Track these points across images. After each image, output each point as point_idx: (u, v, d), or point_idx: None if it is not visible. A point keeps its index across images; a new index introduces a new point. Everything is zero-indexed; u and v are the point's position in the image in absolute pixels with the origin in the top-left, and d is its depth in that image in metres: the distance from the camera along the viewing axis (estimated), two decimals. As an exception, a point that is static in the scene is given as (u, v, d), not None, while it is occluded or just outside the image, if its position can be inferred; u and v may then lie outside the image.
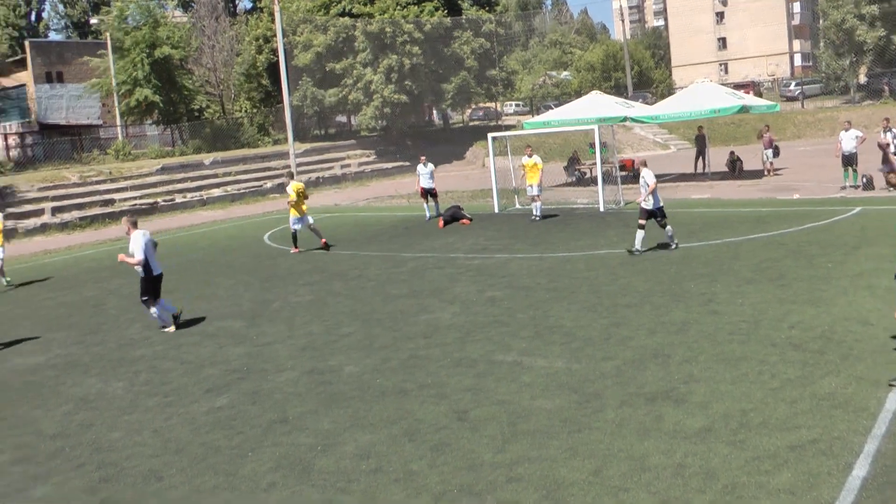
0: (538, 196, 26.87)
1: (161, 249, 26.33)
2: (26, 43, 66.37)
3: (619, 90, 74.47)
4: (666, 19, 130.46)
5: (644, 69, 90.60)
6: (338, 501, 8.12)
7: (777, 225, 21.65)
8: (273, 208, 39.83)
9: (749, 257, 17.95)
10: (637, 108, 39.36)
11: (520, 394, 10.70)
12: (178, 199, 44.18)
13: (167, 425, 10.83)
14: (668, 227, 19.69)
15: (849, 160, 28.30)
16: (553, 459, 8.61)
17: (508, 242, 23.08)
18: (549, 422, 9.63)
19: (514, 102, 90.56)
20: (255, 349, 14.18)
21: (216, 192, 46.02)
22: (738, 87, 62.83)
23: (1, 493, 9.23)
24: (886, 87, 64.66)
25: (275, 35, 50.91)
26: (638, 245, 19.42)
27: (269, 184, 47.78)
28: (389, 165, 55.92)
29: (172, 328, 16.12)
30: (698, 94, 36.89)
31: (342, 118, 73.67)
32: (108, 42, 55.53)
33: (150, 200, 43.09)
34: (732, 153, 38.06)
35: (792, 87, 75.89)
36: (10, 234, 36.03)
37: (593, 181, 32.74)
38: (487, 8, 63.93)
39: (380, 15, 55.55)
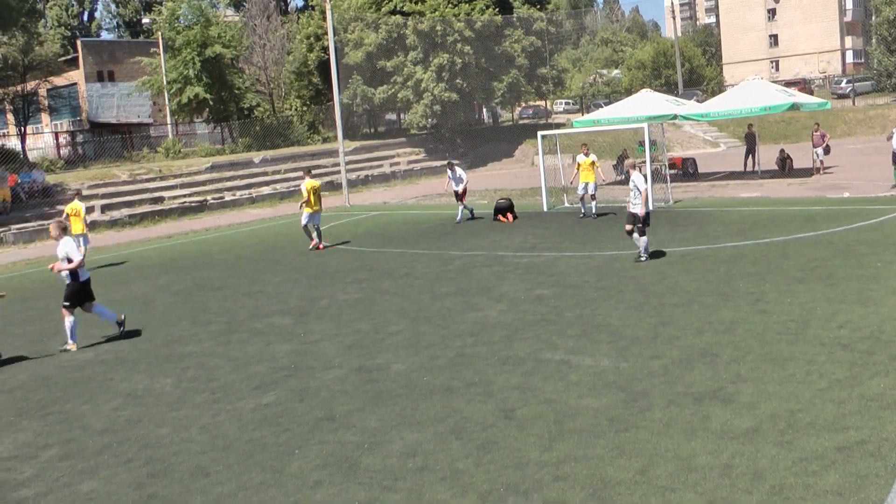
0: (594, 196, 26.86)
1: (210, 247, 26.67)
2: (78, 42, 67.32)
3: (669, 88, 73.98)
4: (717, 16, 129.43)
5: (695, 67, 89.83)
6: (384, 500, 8.12)
7: (826, 224, 21.39)
8: (322, 206, 39.98)
9: (798, 256, 17.74)
10: (687, 106, 39.06)
11: (567, 392, 10.65)
12: (228, 196, 44.55)
13: (214, 422, 10.91)
14: (645, 239, 18.86)
15: (900, 158, 27.88)
16: (600, 458, 8.55)
17: (557, 241, 23.02)
18: (596, 421, 9.58)
19: (563, 101, 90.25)
20: (303, 346, 14.25)
21: (265, 189, 46.36)
22: (788, 84, 62.23)
23: (49, 487, 9.34)
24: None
25: (326, 33, 51.09)
26: (643, 251, 18.87)
27: (318, 182, 47.96)
28: (439, 164, 55.84)
29: (73, 347, 15.67)
30: (749, 91, 36.57)
31: (392, 116, 73.89)
32: (160, 41, 56.13)
33: (200, 198, 43.49)
34: (782, 151, 37.67)
35: (843, 84, 74.82)
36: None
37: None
38: (539, 6, 63.73)
39: (430, 13, 55.65)
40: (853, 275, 15.61)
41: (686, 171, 38.75)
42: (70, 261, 15.38)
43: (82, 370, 14.21)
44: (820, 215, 23.08)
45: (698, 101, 55.13)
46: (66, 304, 15.63)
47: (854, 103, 65.65)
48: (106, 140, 54.24)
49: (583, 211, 27.28)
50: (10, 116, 61.69)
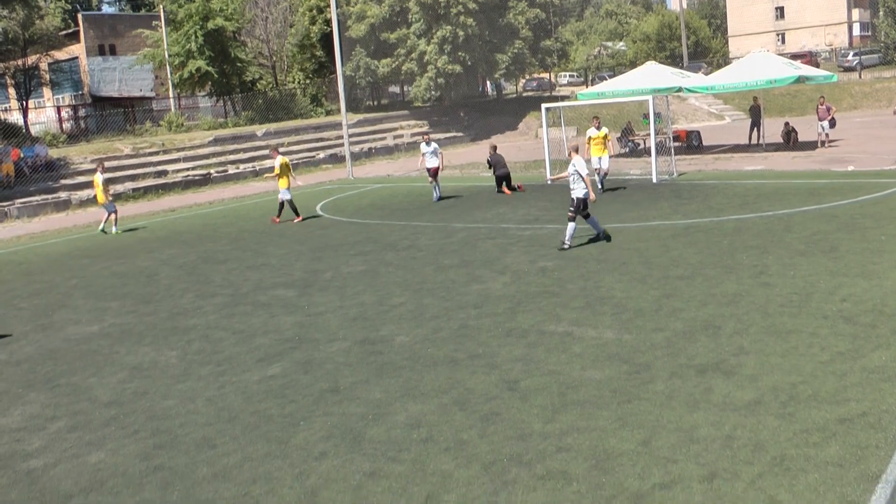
0: (607, 171, 26.49)
1: (214, 220, 26.72)
2: (79, 16, 67.07)
3: (674, 60, 73.71)
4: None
5: (700, 39, 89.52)
6: (388, 471, 8.18)
7: (830, 197, 21.37)
8: (326, 178, 40.04)
9: (801, 229, 17.74)
10: (692, 79, 38.92)
11: (570, 364, 10.70)
12: (231, 170, 44.53)
13: (220, 394, 10.98)
14: (572, 225, 17.99)
15: (906, 131, 27.86)
16: (602, 430, 8.61)
17: (560, 213, 22.94)
18: (599, 392, 9.63)
19: (568, 73, 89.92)
20: (307, 319, 14.30)
21: (268, 162, 46.23)
22: (794, 57, 61.78)
23: (57, 458, 9.43)
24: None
25: (328, 6, 50.93)
26: (568, 240, 18.06)
27: (321, 154, 48.03)
28: (443, 136, 55.85)
29: None
30: (754, 64, 36.38)
31: (395, 89, 73.69)
32: (162, 14, 55.94)
33: (203, 172, 43.47)
34: (787, 124, 37.53)
35: (850, 57, 74.44)
36: (63, 206, 36.76)
37: (647, 152, 32.48)
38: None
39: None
40: (857, 248, 15.62)
41: (690, 143, 38.65)
42: None
43: (88, 343, 14.29)
44: (824, 188, 23.05)
45: (704, 73, 54.91)
46: None
47: (860, 76, 65.32)
48: (108, 114, 54.16)
49: (600, 185, 26.44)
50: (12, 91, 61.60)
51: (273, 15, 64.91)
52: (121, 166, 42.41)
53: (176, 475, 8.63)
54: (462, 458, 8.28)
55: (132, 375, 12.23)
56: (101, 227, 28.56)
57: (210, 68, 53.82)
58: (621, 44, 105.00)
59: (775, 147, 35.86)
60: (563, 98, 59.57)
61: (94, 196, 28.94)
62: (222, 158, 46.07)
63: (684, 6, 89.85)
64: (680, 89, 36.53)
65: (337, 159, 46.99)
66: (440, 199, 28.12)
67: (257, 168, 44.93)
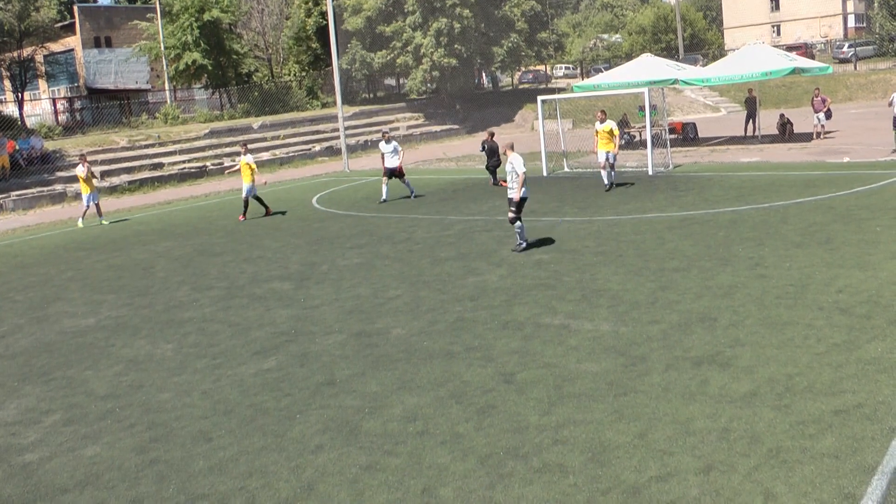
0: (613, 165, 25.31)
1: (210, 213, 26.68)
2: (75, 8, 66.88)
3: (670, 52, 73.66)
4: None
5: (696, 31, 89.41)
6: (385, 464, 8.18)
7: (826, 188, 21.38)
8: (321, 171, 40.00)
9: (797, 221, 17.75)
10: (688, 71, 38.92)
11: (566, 357, 10.70)
12: (227, 162, 44.42)
13: (216, 387, 10.97)
14: (519, 223, 17.47)
15: (900, 123, 27.81)
16: (599, 422, 8.61)
17: (556, 205, 23.01)
18: (595, 385, 9.63)
19: (564, 65, 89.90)
20: (303, 312, 14.29)
21: (265, 155, 46.25)
22: (790, 49, 61.90)
23: (53, 452, 9.42)
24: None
25: (323, -2, 50.82)
26: (522, 239, 17.55)
27: (317, 147, 48.01)
28: (438, 128, 55.87)
29: None
30: (750, 56, 36.37)
31: (391, 81, 73.61)
32: (157, 6, 55.82)
33: (199, 164, 43.45)
34: (783, 116, 37.55)
35: (845, 48, 74.36)
36: (59, 198, 36.71)
37: (642, 144, 32.46)
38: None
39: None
40: (852, 239, 15.62)
41: (686, 135, 38.67)
42: None
43: (84, 336, 14.27)
44: (820, 180, 23.07)
45: (700, 66, 54.89)
46: None
47: (856, 68, 65.34)
48: (104, 106, 54.01)
49: (605, 182, 25.28)
50: (7, 83, 61.41)
51: (269, 7, 64.87)
52: (117, 159, 42.39)
53: (172, 469, 8.62)
54: (458, 451, 8.28)
55: (128, 368, 12.22)
56: (100, 219, 28.87)
57: (206, 61, 53.73)
58: (617, 36, 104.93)
59: (771, 139, 35.88)
60: (559, 90, 59.57)
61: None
62: (218, 151, 46.02)
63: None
64: (675, 81, 36.52)
65: (333, 152, 46.94)
66: (415, 196, 27.53)
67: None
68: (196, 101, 62.48)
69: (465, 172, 33.31)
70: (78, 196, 36.38)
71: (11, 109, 56.21)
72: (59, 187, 38.33)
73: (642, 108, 32.61)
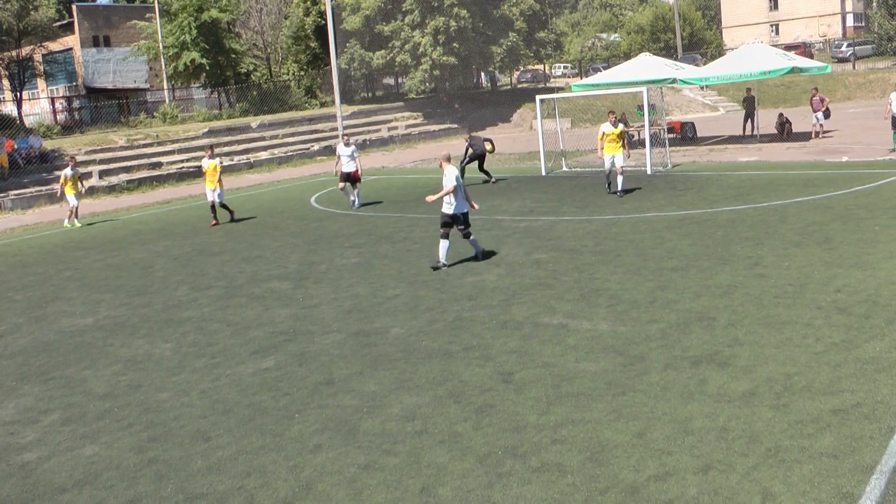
0: (623, 171, 23.46)
1: (208, 212, 26.63)
2: (73, 7, 66.87)
3: (668, 52, 73.67)
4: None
5: (694, 30, 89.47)
6: (383, 463, 8.18)
7: (825, 188, 21.38)
8: (320, 171, 39.98)
9: (796, 220, 17.75)
10: (686, 70, 38.94)
11: (564, 356, 10.70)
12: (226, 161, 44.38)
13: (214, 386, 10.96)
14: (473, 237, 16.78)
15: (899, 123, 27.85)
16: (597, 422, 8.61)
17: (555, 205, 23.01)
18: (594, 384, 9.63)
19: (562, 65, 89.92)
20: (302, 311, 14.29)
21: (263, 154, 46.28)
22: (788, 48, 61.88)
23: (51, 451, 9.42)
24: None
25: (321, -3, 50.83)
26: (442, 258, 16.36)
27: (316, 146, 47.99)
28: (437, 128, 55.85)
29: None
30: (748, 55, 36.40)
31: (390, 80, 73.65)
32: (156, 5, 55.82)
33: (197, 164, 43.27)
34: (781, 115, 37.55)
35: (843, 48, 74.36)
36: (57, 197, 36.65)
37: (641, 143, 32.47)
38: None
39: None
40: (851, 239, 15.63)
41: (685, 135, 38.68)
42: None
43: (83, 335, 14.26)
44: (818, 179, 23.07)
45: (697, 65, 54.90)
46: None
47: (854, 67, 65.37)
48: (102, 105, 54.09)
49: (608, 188, 24.22)
50: (6, 82, 61.47)
51: (267, 6, 64.84)
52: (115, 158, 42.38)
53: (170, 468, 8.62)
54: (457, 451, 8.28)
55: (126, 368, 12.21)
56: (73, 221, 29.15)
57: (204, 60, 53.75)
58: (615, 35, 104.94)
59: (769, 138, 35.89)
60: (557, 90, 59.59)
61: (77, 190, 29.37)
62: (217, 150, 45.88)
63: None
64: (674, 81, 36.53)
65: (331, 151, 46.88)
66: (360, 206, 26.48)
67: (252, 160, 44.93)
68: (194, 101, 62.50)
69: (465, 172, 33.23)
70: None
71: (10, 108, 56.24)
72: (57, 186, 38.19)
73: (641, 108, 32.65)
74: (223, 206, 25.65)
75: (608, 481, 7.39)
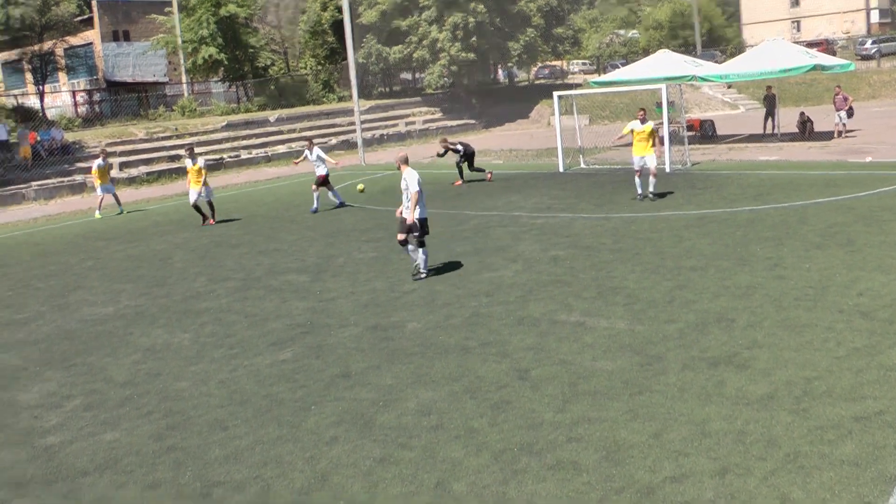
0: (655, 173, 21.94)
1: (227, 205, 26.74)
2: (94, 2, 67.05)
3: (687, 49, 73.33)
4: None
5: (714, 27, 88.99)
6: (398, 457, 8.20)
7: (847, 189, 21.23)
8: (338, 165, 39.94)
9: (817, 221, 17.65)
10: (705, 67, 38.71)
11: (581, 354, 10.68)
12: (244, 155, 44.60)
13: (232, 377, 11.02)
14: (422, 250, 15.54)
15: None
16: (613, 421, 8.60)
17: (573, 202, 22.95)
18: (611, 383, 9.62)
19: (580, 61, 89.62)
20: (319, 304, 14.32)
21: (281, 148, 46.36)
22: (810, 45, 61.36)
23: (74, 436, 9.55)
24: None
25: (340, -8, 50.84)
26: (423, 267, 15.58)
27: (333, 140, 48.02)
28: (454, 123, 55.81)
29: None
30: (769, 52, 36.13)
31: (407, 75, 73.63)
32: (174, 1, 55.96)
33: (216, 156, 43.52)
34: (803, 114, 37.29)
35: (868, 45, 73.56)
36: (79, 188, 36.93)
37: (660, 141, 32.30)
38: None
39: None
40: (874, 241, 15.50)
41: (704, 133, 38.48)
42: None
43: (104, 324, 14.37)
44: (841, 180, 22.93)
45: (717, 62, 54.65)
46: None
47: (879, 65, 64.70)
48: (122, 99, 54.30)
49: (639, 191, 22.27)
50: (29, 76, 61.86)
51: (285, 1, 64.86)
52: (135, 150, 42.58)
53: (188, 456, 8.69)
54: (472, 447, 8.29)
55: (146, 357, 12.30)
56: (118, 210, 29.44)
57: (222, 55, 53.94)
58: (634, 32, 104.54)
59: (790, 137, 35.66)
60: (575, 86, 59.48)
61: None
62: (235, 144, 46.17)
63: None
64: (693, 78, 36.35)
65: (349, 145, 46.97)
66: (341, 204, 26.12)
67: (269, 154, 45.05)
68: (213, 94, 62.63)
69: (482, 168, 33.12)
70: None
71: (33, 101, 56.51)
72: (78, 178, 38.56)
73: (659, 105, 32.48)
74: (210, 205, 25.08)
75: (624, 481, 7.39)
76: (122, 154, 41.48)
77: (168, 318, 14.42)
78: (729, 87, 56.34)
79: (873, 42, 73.24)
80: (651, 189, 22.10)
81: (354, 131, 44.08)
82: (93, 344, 13.30)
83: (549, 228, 19.32)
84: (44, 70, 59.15)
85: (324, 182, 25.92)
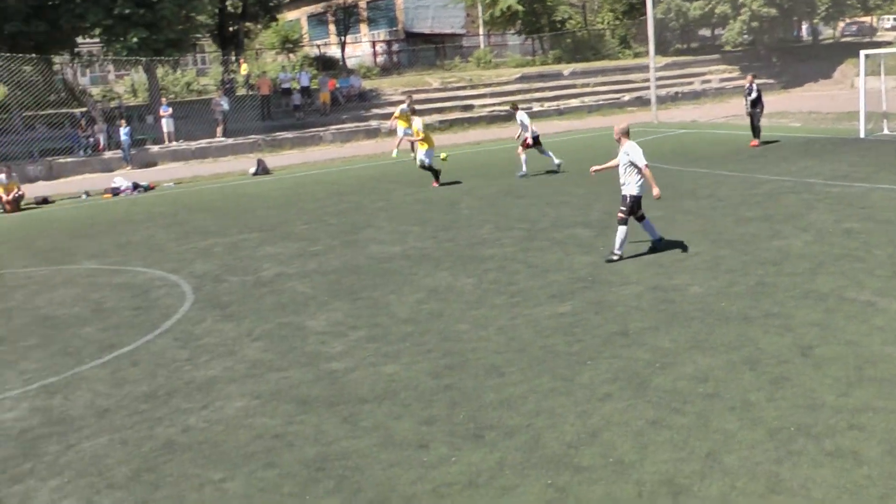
0: None
1: (514, 156, 27.02)
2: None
3: None
4: None
5: None
6: (671, 421, 8.13)
7: None
8: (632, 120, 39.58)
9: None
10: None
11: (870, 336, 10.08)
12: (536, 107, 44.98)
13: (511, 324, 11.27)
14: (623, 228, 14.13)
15: None
16: (901, 411, 8.11)
17: (872, 171, 21.60)
18: (901, 370, 9.06)
19: (892, 17, 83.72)
20: (602, 259, 14.33)
21: (573, 102, 46.46)
22: None
23: (356, 364, 10.18)
24: None
25: (644, -55, 49.99)
26: (617, 247, 14.29)
27: (626, 97, 47.64)
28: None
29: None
30: None
31: (706, 32, 71.58)
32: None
33: (508, 108, 44.14)
34: None
35: None
36: (373, 133, 38.62)
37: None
38: None
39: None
40: None
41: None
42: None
43: (390, 262, 15.07)
44: None
45: None
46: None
47: None
48: (419, 49, 56.08)
49: None
50: (332, 27, 65.04)
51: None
52: (429, 99, 43.94)
53: (463, 396, 9.00)
54: (747, 420, 8.08)
55: (429, 297, 12.80)
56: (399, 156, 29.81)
57: (520, 7, 54.42)
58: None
59: None
60: (884, 44, 55.84)
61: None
62: (528, 96, 46.66)
63: None
64: None
65: (642, 102, 46.40)
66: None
67: (561, 107, 45.25)
68: (508, 47, 63.45)
69: (782, 130, 31.85)
70: (391, 133, 38.14)
71: (334, 51, 59.43)
72: (373, 123, 40.39)
73: None
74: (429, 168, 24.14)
75: (910, 478, 6.94)
76: (415, 102, 42.85)
77: (452, 261, 14.90)
78: None
79: None
80: None
81: (648, 88, 43.45)
82: (379, 280, 14.01)
83: (845, 198, 18.32)
84: (346, 22, 61.89)
85: (534, 145, 25.04)
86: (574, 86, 49.09)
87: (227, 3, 51.34)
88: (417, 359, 10.23)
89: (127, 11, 34.39)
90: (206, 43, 59.41)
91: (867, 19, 73.70)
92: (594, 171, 15.27)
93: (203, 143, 37.25)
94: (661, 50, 55.40)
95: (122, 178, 29.23)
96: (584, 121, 41.73)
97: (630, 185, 14.06)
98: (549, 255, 14.88)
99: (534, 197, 20.65)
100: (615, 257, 14.25)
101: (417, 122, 24.28)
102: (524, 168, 24.70)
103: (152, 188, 28.64)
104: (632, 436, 7.89)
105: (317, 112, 42.01)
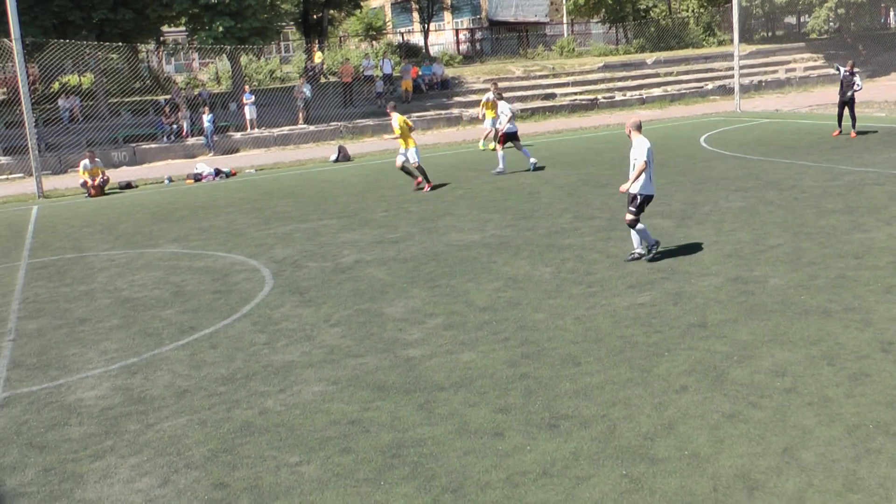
0: None
1: (597, 144, 27.01)
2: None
3: None
4: None
5: None
6: (748, 415, 8.07)
7: None
8: (712, 110, 39.19)
9: None
10: None
11: (956, 333, 9.90)
12: (618, 96, 44.72)
13: (589, 314, 11.28)
14: (642, 227, 13.79)
15: None
16: None
17: (965, 166, 21.08)
18: None
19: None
20: (681, 251, 14.24)
21: (656, 91, 46.01)
22: None
23: (433, 351, 10.29)
24: None
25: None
26: (637, 245, 13.95)
27: (709, 85, 47.04)
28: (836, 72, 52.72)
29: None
30: None
31: (791, 19, 70.24)
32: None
33: (590, 97, 43.99)
34: None
35: None
36: (455, 121, 38.72)
37: None
38: None
39: None
40: None
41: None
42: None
43: (469, 250, 15.15)
44: None
45: None
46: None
47: None
48: (503, 37, 56.06)
49: None
50: (416, 15, 65.25)
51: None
52: (511, 87, 43.88)
53: (540, 385, 9.05)
54: (825, 416, 7.98)
55: (507, 285, 12.86)
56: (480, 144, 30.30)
57: (605, -5, 54.21)
58: None
59: None
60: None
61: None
62: (610, 85, 46.40)
63: None
64: None
65: (725, 91, 45.76)
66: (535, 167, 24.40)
67: (644, 96, 44.87)
68: (592, 35, 63.11)
69: (868, 120, 31.17)
70: (472, 121, 38.28)
71: (417, 39, 59.64)
72: (455, 111, 40.50)
73: None
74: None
75: None
76: (501, 91, 42.94)
77: (531, 250, 14.94)
78: None
79: None
80: None
81: (732, 76, 42.83)
82: (457, 268, 14.10)
83: (931, 192, 17.90)
84: (430, 10, 62.06)
85: (509, 139, 24.35)
86: (657, 74, 48.64)
87: (312, -10, 51.86)
88: (494, 347, 10.30)
89: (213, 0, 34.95)
90: (290, 31, 60.03)
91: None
92: (623, 190, 13.90)
93: (285, 129, 37.73)
94: (746, 38, 54.65)
95: (204, 164, 29.78)
96: (665, 110, 41.32)
97: (642, 183, 13.53)
98: (628, 244, 14.76)
99: (614, 186, 20.52)
100: (636, 255, 13.88)
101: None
102: (501, 164, 24.09)
103: (234, 174, 29.09)
104: (708, 429, 7.86)
105: (398, 99, 42.28)
